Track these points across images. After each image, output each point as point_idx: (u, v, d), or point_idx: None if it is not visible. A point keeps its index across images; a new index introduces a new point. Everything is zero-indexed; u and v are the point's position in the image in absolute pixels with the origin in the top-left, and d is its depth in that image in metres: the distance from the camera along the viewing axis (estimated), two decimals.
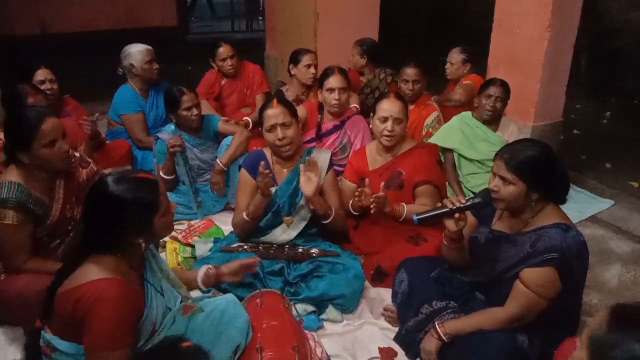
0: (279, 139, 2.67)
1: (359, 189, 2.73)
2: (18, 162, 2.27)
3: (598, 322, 1.33)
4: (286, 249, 2.75)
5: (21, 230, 2.22)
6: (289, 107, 2.76)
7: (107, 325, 1.62)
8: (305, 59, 4.06)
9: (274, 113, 2.67)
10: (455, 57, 4.25)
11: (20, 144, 2.22)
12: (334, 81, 3.42)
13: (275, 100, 2.74)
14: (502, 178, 2.00)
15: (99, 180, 1.79)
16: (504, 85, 3.41)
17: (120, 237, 1.73)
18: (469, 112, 3.59)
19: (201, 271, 2.23)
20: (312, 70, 4.04)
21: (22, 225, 2.22)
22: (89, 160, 2.64)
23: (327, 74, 3.46)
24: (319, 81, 3.54)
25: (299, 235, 2.79)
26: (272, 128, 2.67)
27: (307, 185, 2.61)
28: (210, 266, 2.27)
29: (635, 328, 1.19)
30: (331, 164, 2.85)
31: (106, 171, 3.20)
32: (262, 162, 2.56)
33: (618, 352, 1.17)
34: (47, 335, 1.78)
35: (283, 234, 2.78)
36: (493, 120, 3.49)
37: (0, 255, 2.29)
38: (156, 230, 1.79)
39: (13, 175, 2.24)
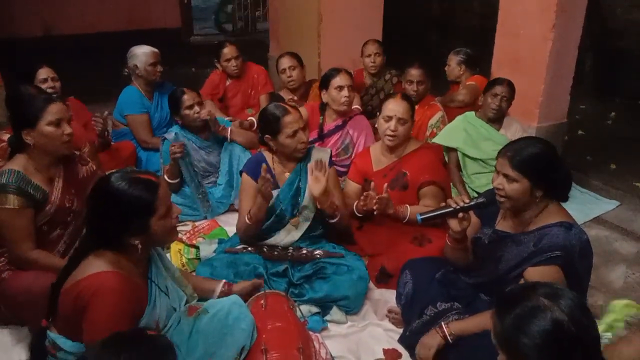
0: (302, 142, 2.69)
1: (364, 193, 2.73)
2: (21, 148, 2.33)
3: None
4: (290, 251, 2.75)
5: (23, 214, 2.26)
6: (299, 111, 2.80)
7: (105, 317, 1.62)
8: (280, 64, 4.14)
9: (295, 119, 2.68)
10: (452, 58, 4.32)
11: (28, 120, 2.28)
12: (342, 79, 3.43)
13: (289, 107, 2.74)
14: (506, 176, 2.00)
15: (104, 176, 1.81)
16: (511, 85, 3.44)
17: (117, 236, 1.74)
18: (473, 112, 3.61)
19: (217, 289, 2.29)
20: (287, 73, 4.10)
21: (24, 209, 2.26)
22: (88, 159, 2.68)
23: (332, 74, 3.47)
24: (322, 81, 3.53)
25: (303, 237, 2.79)
26: (295, 133, 2.68)
27: (315, 185, 2.60)
28: (224, 283, 2.32)
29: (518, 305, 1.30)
30: (331, 162, 2.86)
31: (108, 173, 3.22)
32: (264, 165, 2.55)
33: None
34: (52, 334, 1.78)
35: (287, 236, 2.78)
36: (497, 120, 3.51)
37: (4, 242, 2.32)
38: (154, 233, 1.77)
39: (13, 164, 2.30)
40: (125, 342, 1.38)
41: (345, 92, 3.42)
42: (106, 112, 3.71)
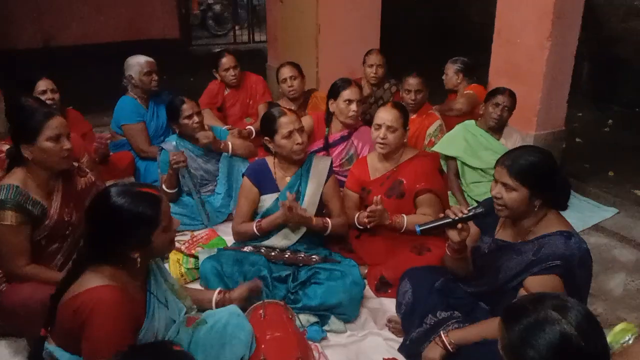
0: (297, 144, 2.74)
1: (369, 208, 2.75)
2: (20, 163, 2.31)
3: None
4: (287, 253, 2.77)
5: (20, 231, 2.24)
6: (297, 114, 2.88)
7: (104, 332, 1.62)
8: (280, 74, 4.15)
9: (290, 120, 2.75)
10: (449, 67, 4.34)
11: (27, 135, 2.27)
12: (352, 93, 3.42)
13: (284, 109, 2.83)
14: (505, 184, 2.00)
15: (103, 190, 1.80)
16: (512, 95, 3.43)
17: (117, 250, 1.74)
18: (473, 121, 3.60)
19: (213, 298, 2.28)
20: (288, 83, 4.11)
21: (21, 226, 2.24)
22: (87, 170, 2.68)
23: (343, 85, 3.45)
24: (332, 91, 3.51)
25: (300, 241, 2.81)
26: (290, 134, 2.73)
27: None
28: (219, 291, 2.32)
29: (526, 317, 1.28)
30: (331, 170, 2.91)
31: (107, 183, 3.23)
32: (291, 196, 2.64)
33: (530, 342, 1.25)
34: (50, 346, 1.77)
35: (284, 239, 2.80)
36: (497, 129, 3.50)
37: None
38: (155, 246, 1.78)
39: (12, 179, 2.28)
40: (145, 355, 1.37)
41: (354, 107, 3.43)
42: (109, 135, 3.73)
